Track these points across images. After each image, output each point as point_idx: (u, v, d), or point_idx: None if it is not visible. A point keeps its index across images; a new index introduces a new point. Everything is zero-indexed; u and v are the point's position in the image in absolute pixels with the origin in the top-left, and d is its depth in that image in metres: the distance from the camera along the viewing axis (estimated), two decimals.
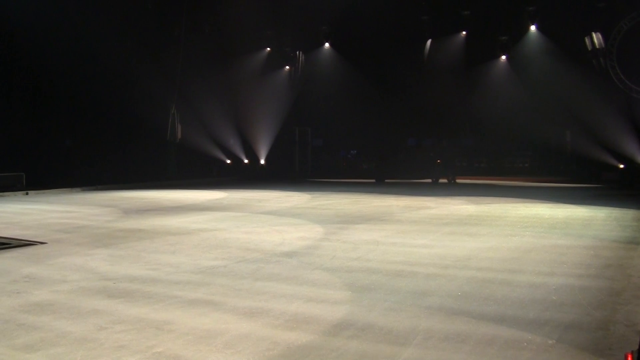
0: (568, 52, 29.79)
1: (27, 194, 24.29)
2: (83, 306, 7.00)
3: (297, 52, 38.36)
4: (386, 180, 31.73)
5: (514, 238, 11.83)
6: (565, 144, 32.06)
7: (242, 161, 38.30)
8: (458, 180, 30.68)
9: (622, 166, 28.72)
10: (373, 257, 10.01)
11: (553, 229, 13.08)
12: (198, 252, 10.56)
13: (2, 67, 25.36)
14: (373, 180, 32.22)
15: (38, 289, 7.84)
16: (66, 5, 25.31)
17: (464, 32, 34.18)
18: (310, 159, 39.17)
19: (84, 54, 26.54)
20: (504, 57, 34.21)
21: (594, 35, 30.01)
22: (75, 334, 5.94)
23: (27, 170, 25.78)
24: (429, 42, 35.30)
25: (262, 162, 38.21)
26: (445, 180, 30.45)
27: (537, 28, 32.37)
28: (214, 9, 32.12)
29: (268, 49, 38.01)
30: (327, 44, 37.32)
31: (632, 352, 4.28)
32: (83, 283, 8.18)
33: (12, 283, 8.22)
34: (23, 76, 25.81)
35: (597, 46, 29.95)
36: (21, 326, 6.25)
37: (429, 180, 30.84)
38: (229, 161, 37.67)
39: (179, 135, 31.42)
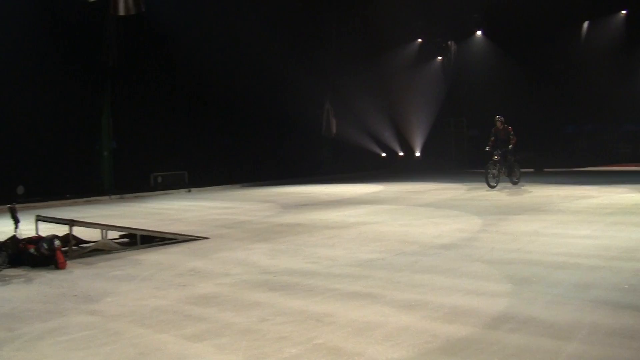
0: None
1: (189, 191, 25.34)
2: (245, 298, 7.20)
3: (449, 42, 37.89)
4: (545, 170, 30.69)
5: None
6: None
7: (397, 154, 38.23)
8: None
9: None
10: (533, 248, 9.68)
11: None
12: (356, 245, 10.60)
13: (165, 70, 26.48)
14: (531, 170, 31.23)
15: (203, 282, 8.15)
16: (221, 8, 26.14)
17: (624, 11, 32.55)
18: (466, 149, 38.48)
19: (239, 55, 27.29)
20: None
21: None
22: (239, 325, 6.12)
23: (190, 168, 26.94)
24: (586, 23, 33.91)
25: (418, 154, 37.99)
26: None
27: None
28: (364, 3, 32.21)
29: (419, 40, 37.75)
30: (479, 32, 36.64)
31: None
32: (245, 276, 8.42)
33: (178, 276, 8.59)
34: (184, 78, 26.82)
35: None
36: (188, 317, 6.51)
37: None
38: (384, 154, 37.70)
39: (334, 130, 31.72)
